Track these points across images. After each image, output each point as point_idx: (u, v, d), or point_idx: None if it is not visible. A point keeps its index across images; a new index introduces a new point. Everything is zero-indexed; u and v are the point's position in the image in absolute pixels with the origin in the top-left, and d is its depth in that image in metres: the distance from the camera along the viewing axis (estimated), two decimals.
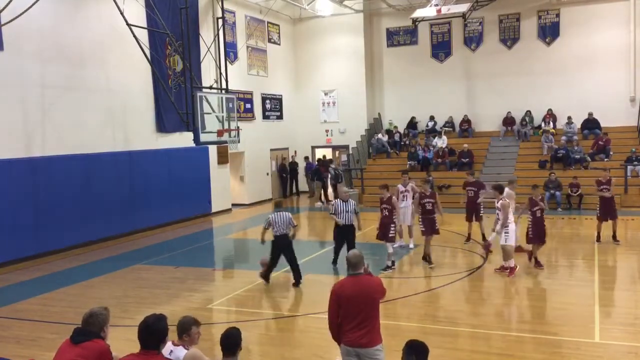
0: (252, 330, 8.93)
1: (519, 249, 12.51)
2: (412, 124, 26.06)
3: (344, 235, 12.07)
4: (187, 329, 4.98)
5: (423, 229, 12.65)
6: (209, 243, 17.51)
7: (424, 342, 4.43)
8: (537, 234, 11.88)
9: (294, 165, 26.54)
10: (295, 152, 27.07)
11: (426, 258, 12.51)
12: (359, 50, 26.24)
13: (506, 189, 12.93)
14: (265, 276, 11.50)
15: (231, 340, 4.60)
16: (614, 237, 14.15)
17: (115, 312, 8.63)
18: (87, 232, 15.90)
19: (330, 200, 24.30)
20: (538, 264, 11.90)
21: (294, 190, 26.86)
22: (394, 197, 12.46)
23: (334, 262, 12.52)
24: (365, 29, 26.35)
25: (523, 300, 10.29)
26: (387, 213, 12.09)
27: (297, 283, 11.30)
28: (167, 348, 4.92)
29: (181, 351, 4.90)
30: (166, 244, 16.45)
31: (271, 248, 11.33)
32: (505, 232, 11.28)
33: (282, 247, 11.18)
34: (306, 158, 26.75)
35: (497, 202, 11.57)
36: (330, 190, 25.13)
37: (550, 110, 23.92)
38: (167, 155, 19.02)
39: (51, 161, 14.96)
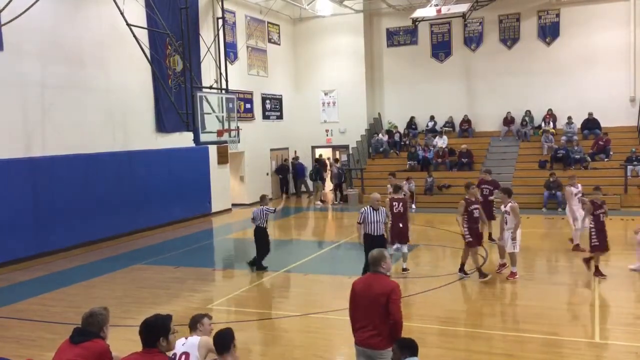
0: (252, 330, 8.94)
1: (576, 247, 13.03)
2: (412, 124, 26.07)
3: (373, 247, 10.24)
4: (200, 320, 5.39)
5: (470, 240, 11.23)
6: (209, 243, 17.50)
7: (412, 339, 4.64)
8: (602, 241, 11.10)
9: (296, 166, 26.45)
10: (295, 152, 27.05)
11: (481, 272, 11.26)
12: (359, 50, 26.23)
13: (566, 188, 13.64)
14: (253, 263, 12.47)
15: (224, 339, 4.58)
16: None
17: (116, 312, 8.64)
18: (87, 232, 15.89)
19: (325, 201, 24.29)
20: (599, 273, 11.11)
21: (295, 190, 26.80)
22: (387, 199, 11.89)
23: (364, 272, 11.00)
24: (365, 29, 26.35)
25: (523, 300, 10.27)
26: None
27: (252, 264, 12.51)
28: (180, 341, 5.03)
29: (195, 338, 5.16)
30: (166, 244, 16.44)
31: (254, 238, 12.60)
32: (513, 239, 11.00)
33: (259, 236, 12.49)
34: (296, 158, 26.53)
35: (506, 206, 11.17)
36: (330, 189, 25.11)
37: (550, 110, 23.92)
38: (167, 155, 19.01)
39: (51, 161, 14.95)
